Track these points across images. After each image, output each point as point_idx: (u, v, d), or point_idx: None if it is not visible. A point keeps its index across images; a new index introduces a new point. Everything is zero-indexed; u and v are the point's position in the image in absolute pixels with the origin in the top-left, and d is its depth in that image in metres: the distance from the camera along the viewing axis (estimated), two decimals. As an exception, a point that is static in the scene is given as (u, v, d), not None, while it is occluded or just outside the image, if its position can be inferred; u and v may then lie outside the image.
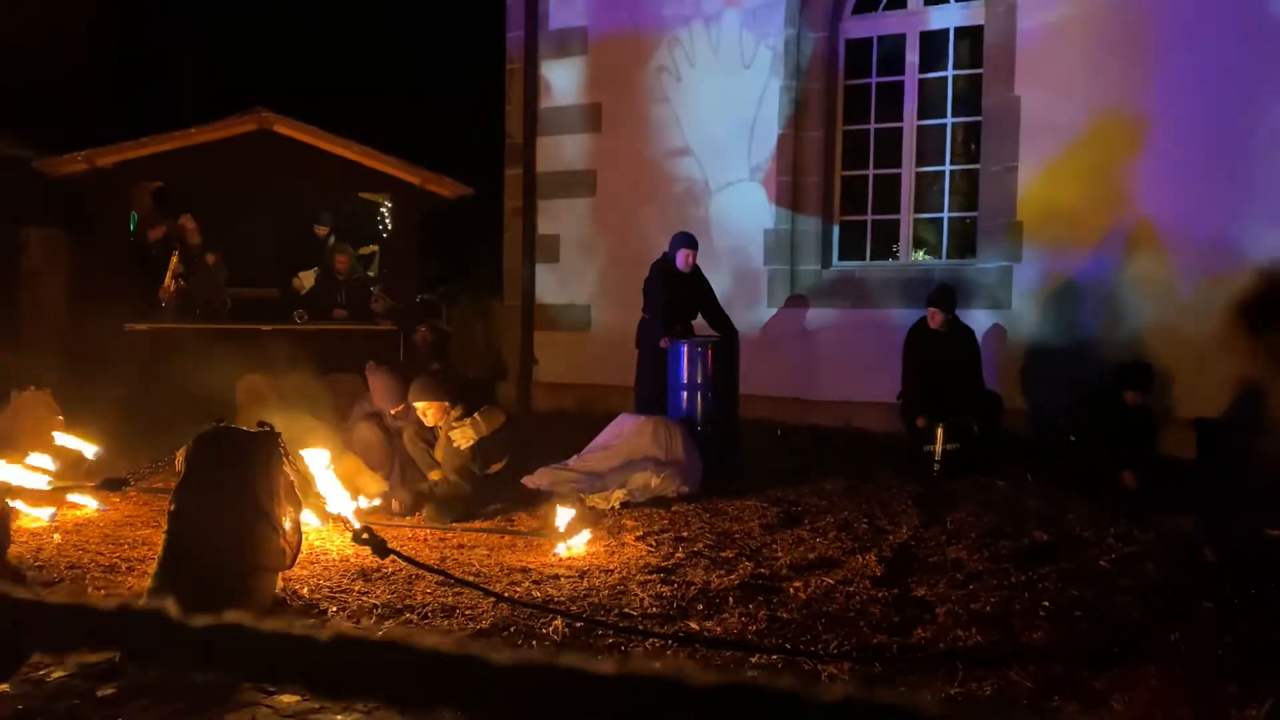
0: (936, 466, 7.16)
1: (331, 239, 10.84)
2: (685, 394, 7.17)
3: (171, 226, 10.17)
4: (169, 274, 9.88)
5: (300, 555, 4.48)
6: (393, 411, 6.23)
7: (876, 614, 4.17)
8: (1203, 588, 4.57)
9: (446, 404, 5.96)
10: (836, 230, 9.87)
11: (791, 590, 4.47)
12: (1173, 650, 3.79)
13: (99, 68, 12.78)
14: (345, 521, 4.50)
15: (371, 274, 11.44)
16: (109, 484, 6.20)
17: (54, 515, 5.68)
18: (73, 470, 6.31)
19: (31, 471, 6.12)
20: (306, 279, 10.58)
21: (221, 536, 3.83)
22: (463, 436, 5.85)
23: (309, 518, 5.32)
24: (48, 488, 5.99)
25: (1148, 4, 8.20)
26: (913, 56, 9.48)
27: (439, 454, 6.01)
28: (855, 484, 6.84)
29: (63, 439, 6.44)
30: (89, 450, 6.42)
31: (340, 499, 5.60)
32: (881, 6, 9.59)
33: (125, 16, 13.35)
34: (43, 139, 10.81)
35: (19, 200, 10.65)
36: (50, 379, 6.91)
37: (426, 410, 6.01)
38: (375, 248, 10.86)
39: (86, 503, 5.92)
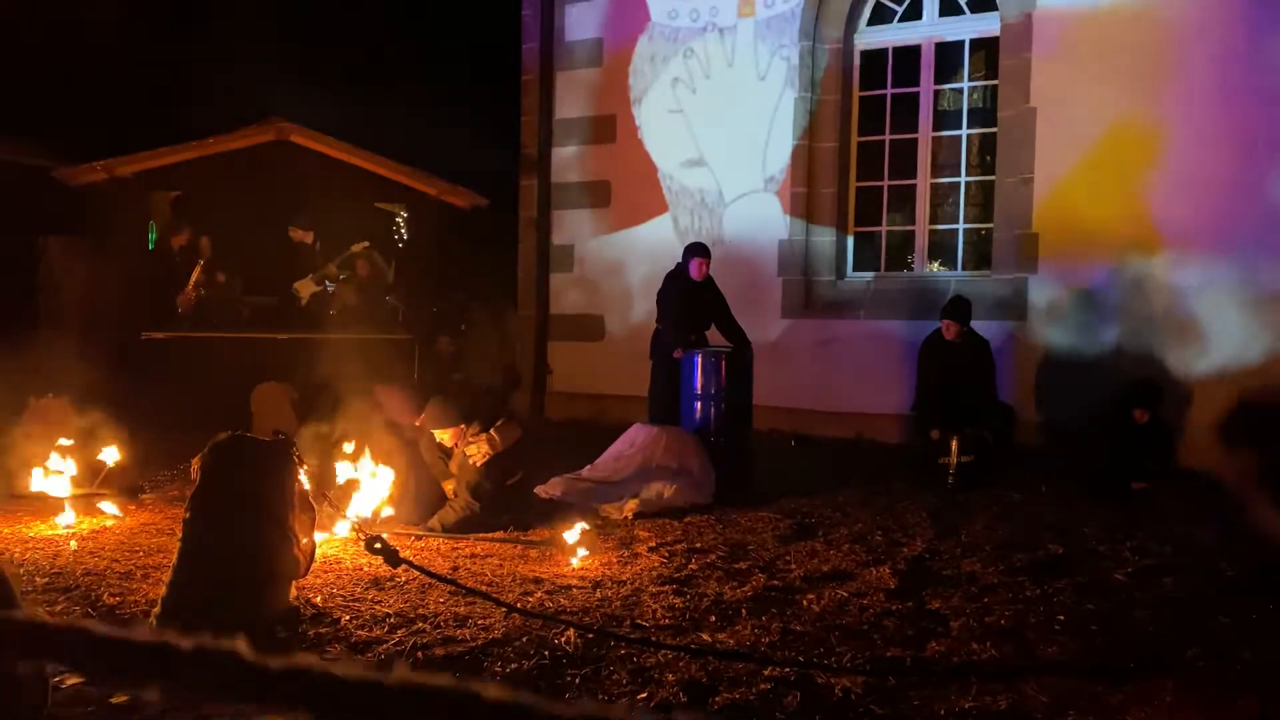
0: (951, 478, 7.13)
1: (318, 244, 10.86)
2: (698, 404, 7.17)
3: (193, 234, 10.23)
4: (191, 283, 9.94)
5: (314, 564, 4.50)
6: (415, 424, 6.24)
7: (890, 627, 4.15)
8: (1221, 603, 4.54)
9: (461, 426, 5.97)
10: (851, 241, 9.86)
11: (805, 602, 4.46)
12: (1190, 666, 3.76)
13: (118, 77, 12.89)
14: (359, 529, 4.51)
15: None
16: (125, 491, 6.26)
17: (71, 523, 5.71)
18: (90, 478, 6.35)
19: (50, 478, 6.18)
20: (304, 288, 10.61)
21: (236, 545, 3.84)
22: (478, 452, 5.85)
23: (339, 529, 5.37)
24: (66, 495, 6.03)
25: (1164, 14, 8.18)
26: (928, 68, 9.48)
27: (454, 466, 6.01)
28: (869, 496, 6.82)
29: (80, 447, 6.48)
30: (106, 458, 6.45)
31: (357, 507, 5.63)
32: (897, 18, 9.60)
33: (144, 26, 13.46)
34: (62, 148, 10.91)
35: (38, 209, 10.74)
36: (68, 387, 6.96)
37: (442, 436, 6.04)
38: (366, 243, 10.87)
39: (110, 510, 5.95)
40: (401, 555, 4.27)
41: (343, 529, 5.36)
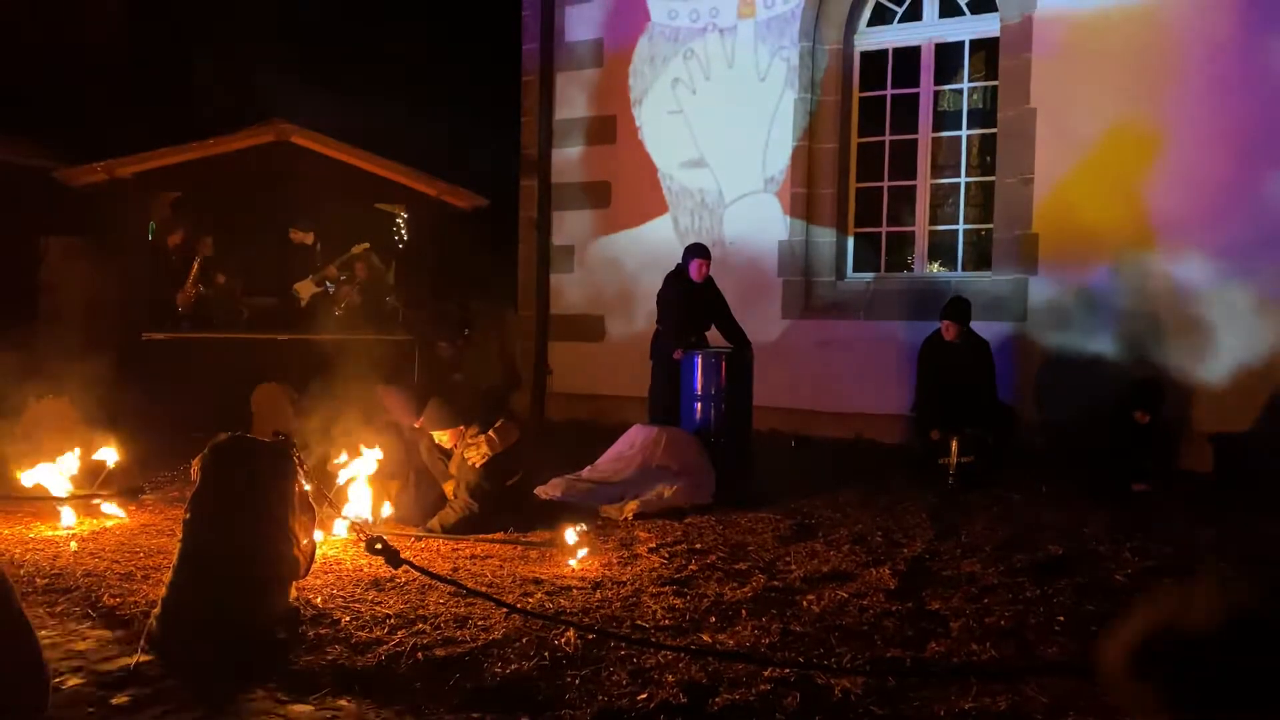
0: (951, 479, 7.14)
1: (319, 245, 10.86)
2: (699, 405, 7.17)
3: (190, 233, 10.24)
4: (189, 280, 9.94)
5: (314, 565, 4.50)
6: (415, 425, 6.24)
7: (890, 627, 4.15)
8: (1220, 603, 4.53)
9: (460, 428, 5.97)
10: (851, 242, 9.87)
11: (805, 603, 4.46)
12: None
13: (118, 78, 12.89)
14: (360, 530, 4.51)
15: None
16: (126, 492, 6.26)
17: (71, 524, 5.72)
18: (90, 478, 6.35)
19: (50, 479, 6.18)
20: (304, 289, 10.61)
21: (236, 546, 3.84)
22: (477, 453, 5.85)
23: (339, 530, 5.37)
24: (66, 496, 6.03)
25: (1163, 16, 8.18)
26: (928, 69, 9.48)
27: (453, 467, 6.02)
28: (869, 496, 6.82)
29: (80, 447, 6.49)
30: (106, 458, 6.45)
31: (357, 507, 5.63)
32: (896, 19, 9.60)
33: (145, 27, 13.47)
34: (62, 149, 10.91)
35: (39, 210, 10.74)
36: (68, 388, 6.96)
37: (441, 437, 6.04)
38: (366, 245, 10.88)
39: (112, 511, 5.96)
40: (402, 556, 4.28)
41: (342, 530, 5.36)
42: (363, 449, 5.81)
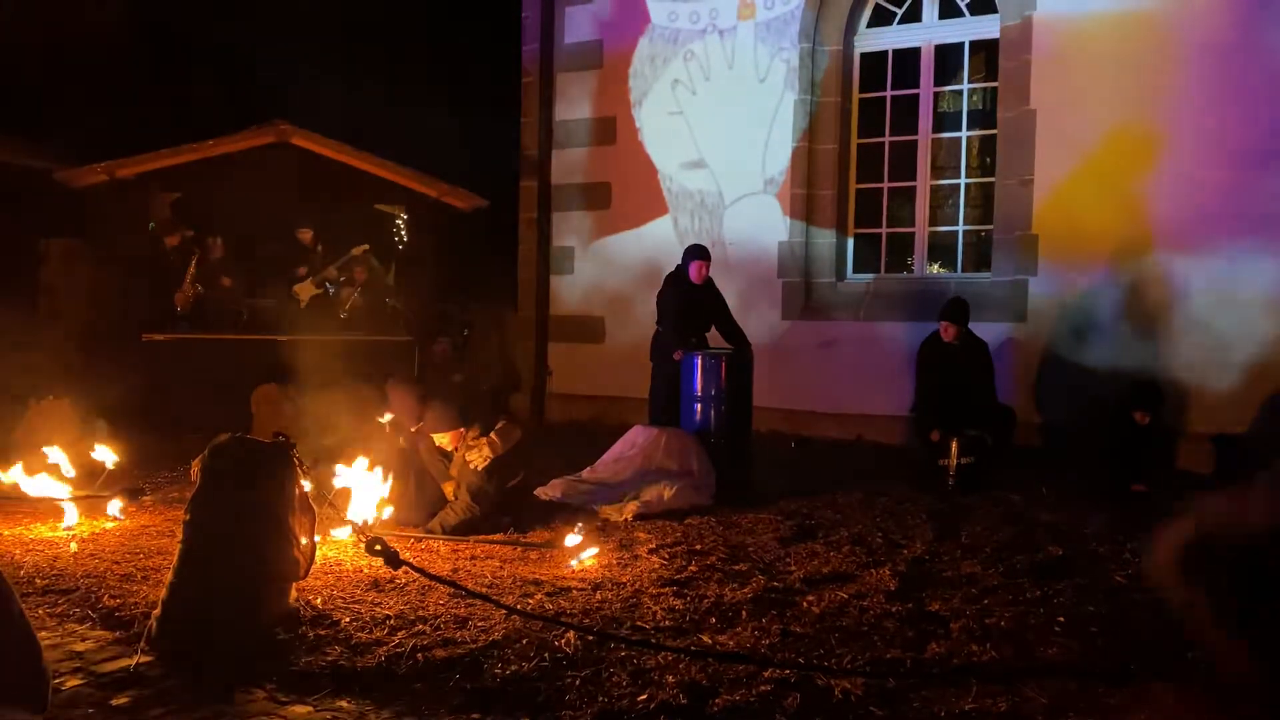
0: (951, 480, 7.13)
1: (319, 246, 10.88)
2: (698, 406, 7.17)
3: (186, 235, 10.24)
4: (187, 279, 9.95)
5: (314, 565, 4.50)
6: (413, 428, 6.24)
7: (890, 629, 4.15)
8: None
9: (462, 430, 5.97)
10: (851, 243, 9.87)
11: (805, 604, 4.46)
12: (1189, 667, 3.76)
13: (118, 78, 12.90)
14: (360, 531, 4.51)
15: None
16: (126, 493, 6.26)
17: (71, 524, 5.72)
18: (90, 479, 6.36)
19: (50, 480, 6.18)
20: (304, 291, 10.62)
21: (236, 547, 3.85)
22: (478, 456, 5.85)
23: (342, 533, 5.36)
24: (66, 496, 6.03)
25: (1162, 18, 8.19)
26: (927, 70, 9.48)
27: (454, 469, 6.02)
28: (869, 497, 6.82)
29: (80, 448, 6.49)
30: (106, 459, 6.46)
31: (358, 509, 5.63)
32: (896, 21, 9.60)
33: (145, 29, 13.48)
34: (62, 150, 10.92)
35: (39, 211, 10.75)
36: (68, 389, 6.97)
37: (442, 439, 6.04)
38: (365, 246, 10.90)
39: (112, 511, 5.96)
40: (402, 557, 4.28)
41: (343, 531, 5.36)
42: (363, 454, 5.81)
